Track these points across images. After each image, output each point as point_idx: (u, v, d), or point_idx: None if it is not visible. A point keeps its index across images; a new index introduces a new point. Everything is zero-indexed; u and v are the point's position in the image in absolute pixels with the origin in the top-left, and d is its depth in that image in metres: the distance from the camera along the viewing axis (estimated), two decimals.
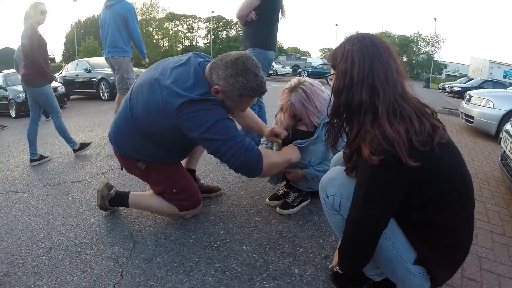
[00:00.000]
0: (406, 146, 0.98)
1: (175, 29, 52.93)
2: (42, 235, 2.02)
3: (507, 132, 3.02)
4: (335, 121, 1.27)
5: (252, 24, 3.11)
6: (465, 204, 1.15)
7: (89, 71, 10.64)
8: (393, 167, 1.01)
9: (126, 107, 1.84)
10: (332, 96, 1.22)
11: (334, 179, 1.34)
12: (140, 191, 2.28)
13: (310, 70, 25.14)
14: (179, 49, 52.85)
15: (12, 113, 8.47)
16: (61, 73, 12.22)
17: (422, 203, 1.11)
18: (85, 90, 11.11)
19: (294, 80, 2.05)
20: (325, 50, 66.89)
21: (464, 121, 6.33)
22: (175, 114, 1.62)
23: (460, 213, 1.13)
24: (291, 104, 1.98)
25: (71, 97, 11.64)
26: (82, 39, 43.78)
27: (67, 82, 11.03)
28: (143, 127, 1.78)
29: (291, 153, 1.97)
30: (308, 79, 2.08)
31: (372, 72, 1.09)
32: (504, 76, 39.04)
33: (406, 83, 1.16)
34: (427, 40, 47.42)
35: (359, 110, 1.13)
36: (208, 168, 3.08)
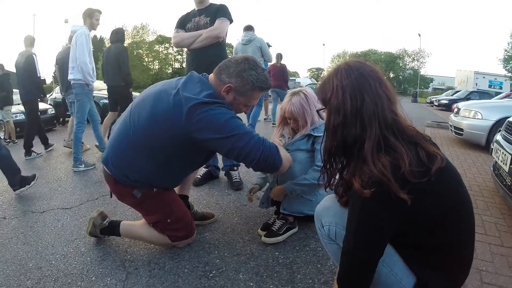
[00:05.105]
0: (393, 180, 0.96)
1: (165, 51, 52.82)
2: (30, 264, 1.95)
3: (498, 142, 3.05)
4: (331, 159, 1.24)
5: (217, 47, 2.99)
6: (465, 224, 1.13)
7: None
8: (384, 199, 1.00)
9: (125, 125, 1.83)
10: (326, 134, 1.19)
11: (329, 209, 1.33)
12: (132, 220, 2.24)
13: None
14: (169, 71, 52.73)
15: (1, 135, 8.17)
16: (51, 94, 11.86)
17: (421, 228, 1.09)
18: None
19: (296, 88, 2.21)
20: (313, 69, 67.83)
21: (454, 133, 6.40)
22: (185, 118, 1.65)
23: (461, 233, 1.11)
24: (291, 104, 2.09)
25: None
26: None
27: (57, 104, 10.73)
28: (146, 140, 1.75)
29: (287, 153, 2.00)
30: (308, 89, 2.24)
31: (362, 106, 1.07)
32: (490, 86, 39.95)
33: (398, 109, 1.14)
34: (413, 56, 48.60)
35: (353, 146, 1.10)
36: (201, 194, 3.04)
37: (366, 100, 1.07)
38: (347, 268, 1.15)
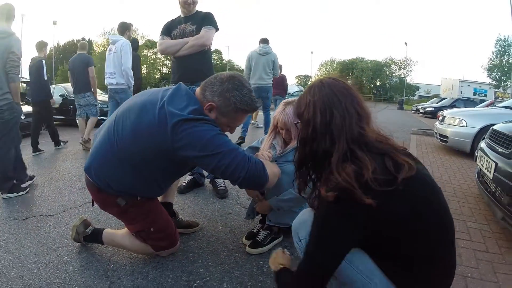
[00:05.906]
0: (357, 186, 0.98)
1: (154, 56, 52.74)
2: (12, 273, 1.88)
3: (482, 150, 3.09)
4: (302, 169, 1.28)
5: (202, 55, 3.02)
6: (442, 232, 1.11)
7: (65, 97, 10.28)
8: (348, 205, 1.01)
9: (109, 134, 1.78)
10: (298, 146, 1.25)
11: (306, 222, 1.32)
12: (115, 228, 2.20)
13: (287, 97, 25.20)
14: (157, 76, 52.65)
15: None
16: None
17: (396, 238, 1.08)
18: (60, 117, 10.69)
19: (290, 98, 2.16)
20: (301, 77, 68.28)
21: (439, 141, 6.50)
22: (170, 133, 1.60)
23: (439, 241, 1.10)
24: (285, 114, 2.02)
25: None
26: (60, 63, 42.96)
27: None
28: (130, 152, 1.70)
29: (275, 166, 1.94)
30: None
31: (331, 121, 1.11)
32: (474, 94, 40.91)
33: (370, 122, 1.17)
34: (399, 64, 49.44)
35: (323, 159, 1.13)
36: (185, 201, 3.00)
37: (335, 115, 1.12)
38: (304, 270, 1.13)
